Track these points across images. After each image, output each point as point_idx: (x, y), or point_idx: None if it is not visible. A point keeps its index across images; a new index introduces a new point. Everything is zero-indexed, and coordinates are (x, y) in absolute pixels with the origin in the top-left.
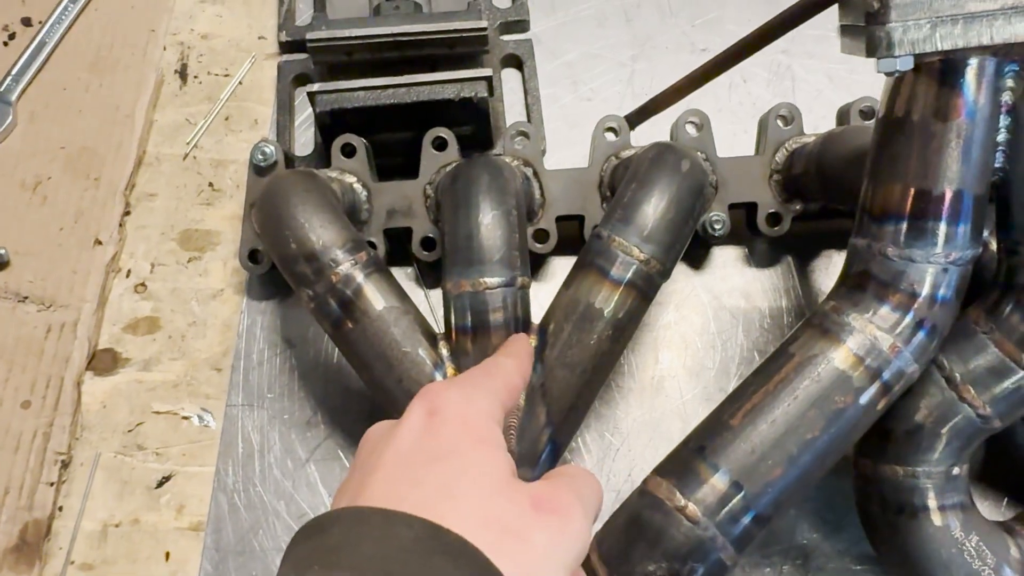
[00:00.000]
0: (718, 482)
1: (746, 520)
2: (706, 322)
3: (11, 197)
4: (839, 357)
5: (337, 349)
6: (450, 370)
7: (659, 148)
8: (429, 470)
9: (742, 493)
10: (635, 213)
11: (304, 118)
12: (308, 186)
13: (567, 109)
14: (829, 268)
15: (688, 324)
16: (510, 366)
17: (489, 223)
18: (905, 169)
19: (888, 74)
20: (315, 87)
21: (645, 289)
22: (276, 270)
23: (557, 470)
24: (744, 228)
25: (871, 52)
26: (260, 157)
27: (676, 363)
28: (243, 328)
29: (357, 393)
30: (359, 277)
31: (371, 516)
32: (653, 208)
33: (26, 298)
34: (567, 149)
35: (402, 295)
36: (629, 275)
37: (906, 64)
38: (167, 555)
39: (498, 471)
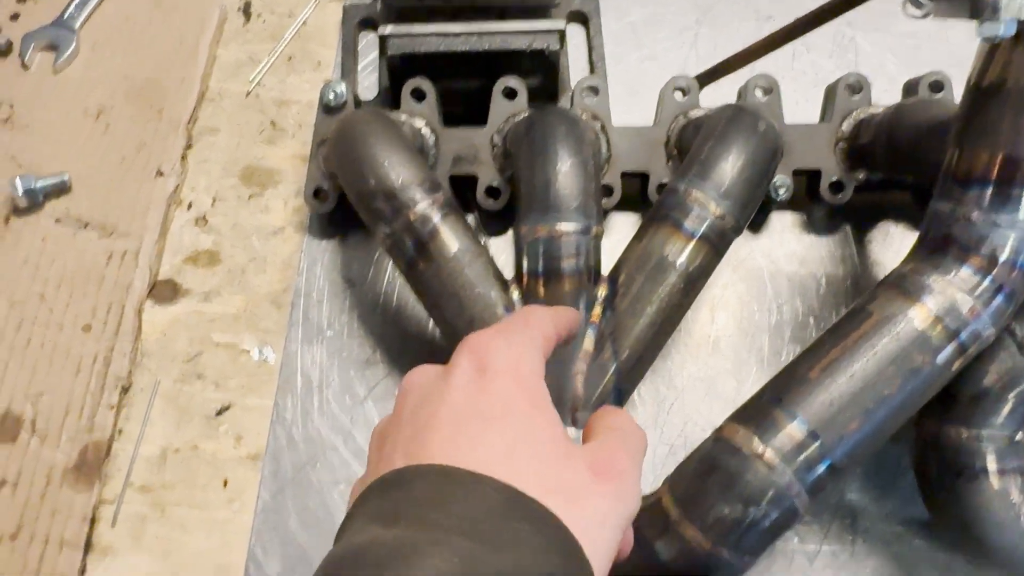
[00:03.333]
0: (796, 431)
1: (821, 469)
2: (762, 285)
3: (73, 124)
4: (919, 317)
5: (397, 291)
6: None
7: (735, 108)
8: (487, 429)
9: (819, 442)
10: (713, 169)
11: (367, 63)
12: (386, 124)
13: (630, 69)
14: (887, 239)
15: (745, 286)
16: (546, 316)
17: (567, 171)
18: (995, 135)
19: (988, 39)
20: (387, 30)
21: (717, 244)
22: (338, 210)
23: (606, 421)
24: (803, 195)
25: (975, 15)
26: (331, 96)
27: (731, 323)
28: (303, 266)
29: (416, 335)
30: (435, 218)
31: (459, 476)
32: (731, 165)
33: (87, 224)
34: (629, 109)
35: (475, 238)
36: (703, 229)
37: (1009, 30)
38: (225, 482)
39: (555, 434)
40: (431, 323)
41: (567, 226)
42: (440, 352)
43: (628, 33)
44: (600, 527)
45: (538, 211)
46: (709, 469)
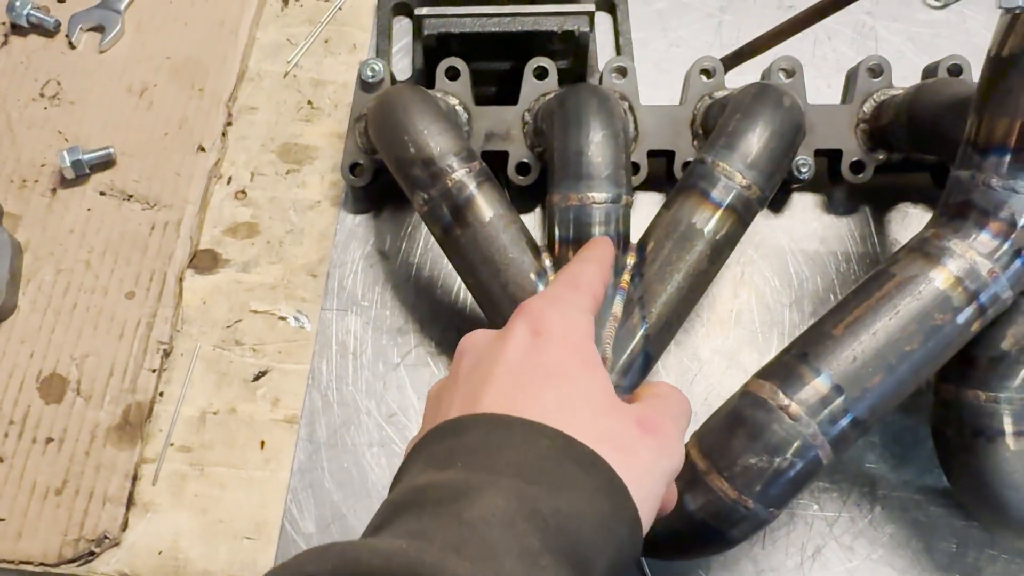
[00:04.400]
0: (820, 385)
1: (844, 422)
2: (783, 263)
3: (118, 101)
4: (940, 278)
5: (429, 264)
6: (552, 279)
7: (761, 85)
8: (544, 386)
9: (843, 396)
10: (740, 141)
11: (401, 46)
12: (425, 97)
13: (657, 54)
14: (905, 220)
15: (766, 263)
16: (593, 273)
17: (599, 141)
18: (1014, 104)
19: (1008, 11)
20: (423, 11)
21: (743, 214)
22: (372, 185)
23: (651, 390)
24: (823, 176)
25: None
26: (369, 73)
27: (753, 298)
28: (339, 238)
29: (447, 306)
30: (471, 185)
31: (511, 423)
32: (757, 137)
33: (131, 196)
34: (655, 92)
35: (510, 206)
36: (730, 198)
37: None
38: (262, 443)
39: (605, 392)
40: (461, 294)
41: (598, 195)
42: (469, 322)
43: (654, 19)
44: (646, 476)
45: (570, 180)
46: (736, 422)
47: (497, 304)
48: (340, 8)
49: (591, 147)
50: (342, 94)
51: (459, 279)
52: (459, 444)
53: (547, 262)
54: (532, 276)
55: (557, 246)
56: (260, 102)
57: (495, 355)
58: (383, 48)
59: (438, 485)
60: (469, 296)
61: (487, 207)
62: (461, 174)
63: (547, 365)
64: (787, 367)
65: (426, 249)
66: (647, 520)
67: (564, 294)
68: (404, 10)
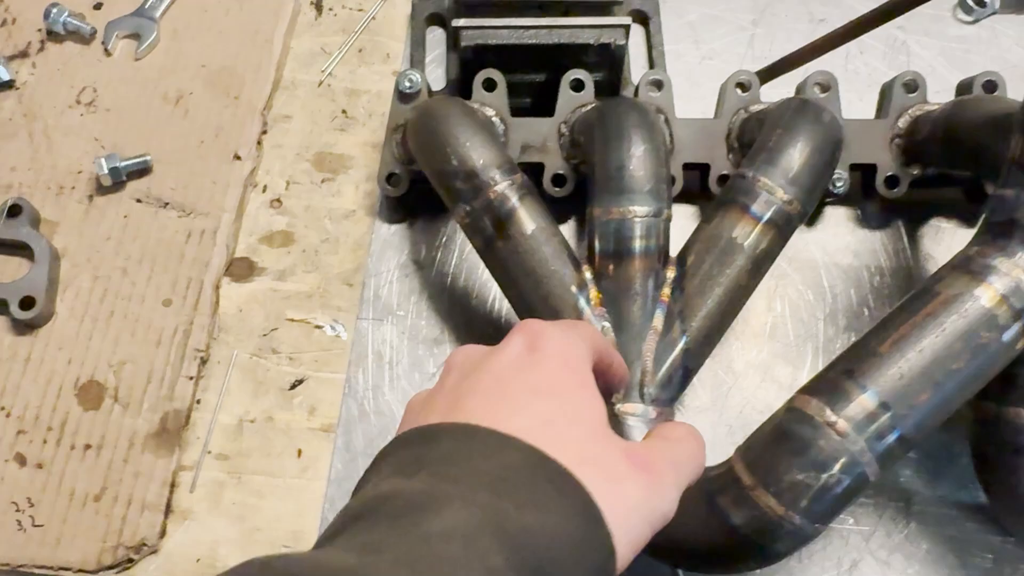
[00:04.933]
0: (867, 401)
1: (891, 438)
2: (817, 276)
3: (155, 108)
4: (986, 296)
5: (464, 274)
6: (592, 292)
7: (800, 100)
8: (531, 400)
9: (890, 413)
10: (780, 156)
11: (434, 56)
12: (466, 109)
13: (689, 66)
14: (938, 235)
15: (801, 276)
16: (596, 331)
17: (640, 155)
18: None
19: None
20: (461, 22)
21: (783, 228)
22: (407, 195)
23: (661, 431)
24: (857, 190)
25: None
26: (407, 84)
27: (788, 312)
28: (374, 248)
29: (482, 316)
30: (514, 198)
31: (482, 434)
32: (799, 153)
33: (167, 204)
34: (688, 104)
35: (551, 219)
36: (770, 213)
37: None
38: (299, 452)
39: (598, 416)
40: (496, 304)
41: (639, 208)
42: (504, 331)
43: (687, 31)
44: (631, 512)
45: (611, 194)
46: (782, 437)
47: (537, 315)
48: (374, 18)
49: (632, 161)
50: (376, 103)
51: (494, 289)
52: (428, 452)
53: (587, 274)
54: (573, 288)
55: (598, 259)
56: (295, 111)
57: (487, 366)
58: (417, 58)
59: (400, 494)
60: (504, 306)
61: (529, 220)
62: (504, 187)
63: (539, 382)
64: (833, 383)
65: (461, 259)
66: (622, 560)
67: (565, 323)
68: (438, 20)
